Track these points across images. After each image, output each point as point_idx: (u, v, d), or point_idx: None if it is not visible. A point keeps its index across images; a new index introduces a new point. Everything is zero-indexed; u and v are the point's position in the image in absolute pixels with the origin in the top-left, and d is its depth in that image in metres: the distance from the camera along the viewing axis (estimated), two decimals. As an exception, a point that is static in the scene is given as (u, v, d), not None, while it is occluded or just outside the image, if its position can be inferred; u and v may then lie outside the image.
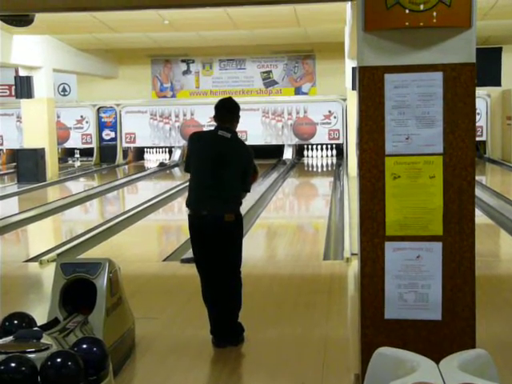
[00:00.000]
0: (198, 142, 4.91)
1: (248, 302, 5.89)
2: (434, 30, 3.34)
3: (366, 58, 3.44)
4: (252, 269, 6.98)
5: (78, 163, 20.61)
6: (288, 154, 19.68)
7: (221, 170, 4.70)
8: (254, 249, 7.99)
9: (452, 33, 3.34)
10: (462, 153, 3.41)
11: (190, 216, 4.84)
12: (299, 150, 20.12)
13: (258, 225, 9.83)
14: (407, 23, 3.33)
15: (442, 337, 3.50)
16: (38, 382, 3.11)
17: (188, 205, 4.86)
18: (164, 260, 7.67)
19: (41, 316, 4.28)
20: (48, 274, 6.28)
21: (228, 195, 4.74)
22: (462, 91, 3.37)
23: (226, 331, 4.78)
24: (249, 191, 4.96)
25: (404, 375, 2.57)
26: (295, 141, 19.99)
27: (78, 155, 21.01)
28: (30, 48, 15.31)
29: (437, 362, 2.69)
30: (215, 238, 4.70)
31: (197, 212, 4.75)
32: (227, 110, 4.80)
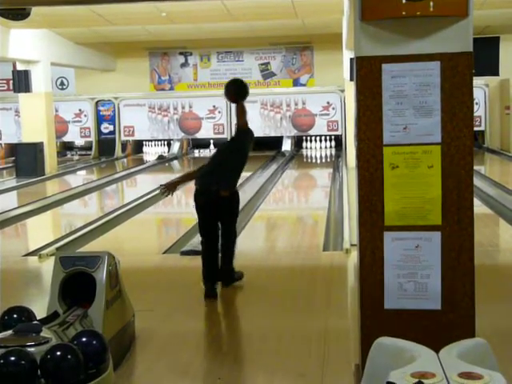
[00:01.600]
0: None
1: (248, 293, 5.90)
2: (430, 19, 3.33)
3: (363, 48, 3.43)
4: (252, 261, 6.99)
5: (76, 157, 20.59)
6: (287, 146, 19.66)
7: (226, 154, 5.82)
8: (253, 241, 7.99)
9: (449, 22, 3.34)
10: (460, 142, 3.40)
11: (196, 188, 5.84)
12: (298, 142, 20.10)
13: (258, 217, 9.83)
14: (404, 12, 3.32)
15: (441, 326, 3.50)
16: (37, 375, 3.12)
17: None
18: (164, 253, 7.67)
19: (40, 310, 4.28)
20: (47, 267, 6.28)
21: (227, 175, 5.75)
22: (459, 80, 3.37)
23: (218, 278, 5.75)
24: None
25: (404, 364, 2.57)
26: (294, 132, 19.97)
27: (76, 149, 20.99)
28: (28, 42, 15.27)
29: (436, 351, 2.69)
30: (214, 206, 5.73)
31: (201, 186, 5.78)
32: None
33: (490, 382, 2.35)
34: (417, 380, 2.36)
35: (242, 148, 5.88)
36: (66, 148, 21.01)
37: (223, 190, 5.68)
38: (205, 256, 5.82)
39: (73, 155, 20.81)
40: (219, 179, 5.70)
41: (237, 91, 5.84)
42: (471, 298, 3.51)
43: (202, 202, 5.74)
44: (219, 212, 5.75)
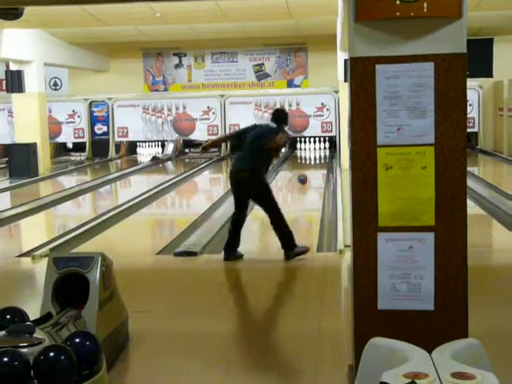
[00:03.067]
0: (250, 127, 7.13)
1: (242, 293, 5.91)
2: (424, 20, 3.33)
3: (357, 49, 3.43)
4: (245, 261, 6.99)
5: (70, 158, 20.55)
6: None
7: (253, 145, 6.79)
8: (247, 241, 7.98)
9: (443, 23, 3.34)
10: (454, 143, 3.41)
11: (230, 170, 7.09)
12: (292, 143, 20.11)
13: (252, 217, 9.82)
14: (398, 13, 3.32)
15: (434, 327, 3.50)
16: (30, 376, 3.10)
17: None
18: (157, 254, 7.66)
19: (34, 311, 4.27)
20: (41, 268, 6.27)
21: (254, 163, 6.80)
22: (453, 81, 3.37)
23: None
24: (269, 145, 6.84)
25: (397, 365, 2.58)
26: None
27: (70, 149, 20.94)
28: (21, 42, 15.24)
29: (429, 351, 2.70)
30: (243, 188, 6.87)
31: (233, 170, 6.99)
32: (277, 114, 7.14)
33: (483, 382, 2.36)
34: (410, 380, 2.36)
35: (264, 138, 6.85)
36: (59, 149, 20.97)
37: (243, 172, 6.79)
38: (230, 226, 7.00)
39: (66, 156, 20.76)
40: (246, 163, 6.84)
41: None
42: (464, 299, 3.51)
43: (231, 181, 7.00)
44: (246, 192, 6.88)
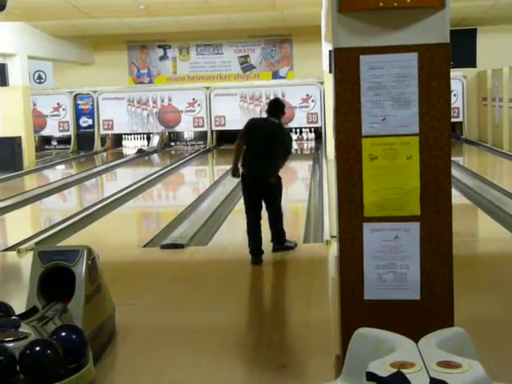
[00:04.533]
0: (253, 124, 7.00)
1: (228, 285, 5.90)
2: (408, 10, 3.34)
3: (341, 40, 3.43)
4: (232, 254, 6.99)
5: (55, 151, 20.44)
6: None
7: (269, 145, 6.61)
8: (234, 234, 7.99)
9: (426, 13, 3.35)
10: (438, 133, 3.42)
11: (243, 174, 6.73)
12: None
13: (238, 210, 9.82)
14: (381, 4, 3.32)
15: (420, 316, 3.52)
16: (16, 370, 3.10)
17: (243, 165, 6.74)
18: (144, 246, 7.64)
19: (19, 305, 4.25)
20: (26, 263, 6.23)
21: (272, 163, 6.69)
22: (436, 71, 3.38)
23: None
24: (286, 160, 6.97)
25: (383, 355, 2.59)
26: (274, 125, 19.93)
27: (55, 143, 20.83)
28: (4, 35, 15.11)
29: (416, 341, 2.71)
30: (261, 190, 6.70)
31: (250, 173, 6.68)
32: (275, 106, 6.97)
33: (469, 370, 2.37)
34: (396, 370, 2.37)
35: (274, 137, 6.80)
36: (44, 142, 20.85)
37: (259, 173, 6.67)
38: (248, 231, 6.75)
39: (51, 149, 20.65)
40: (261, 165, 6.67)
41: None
42: (450, 288, 3.53)
43: (246, 183, 6.76)
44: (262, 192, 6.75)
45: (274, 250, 6.86)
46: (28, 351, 3.13)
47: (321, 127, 19.12)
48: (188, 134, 20.33)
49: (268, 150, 6.64)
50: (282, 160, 6.86)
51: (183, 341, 4.62)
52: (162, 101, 20.15)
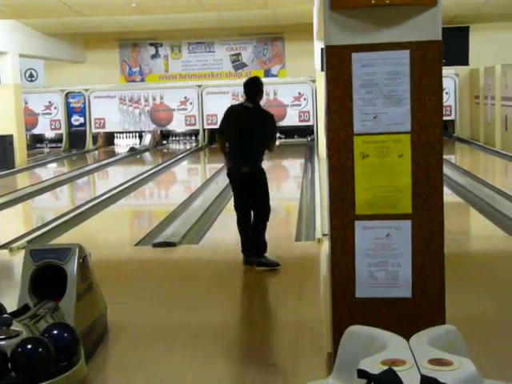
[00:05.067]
0: (230, 114, 6.36)
1: (220, 283, 5.90)
2: (399, 7, 3.34)
3: (333, 38, 3.43)
4: (224, 252, 6.99)
5: (47, 149, 20.38)
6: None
7: (248, 136, 6.16)
8: (225, 232, 7.99)
9: (418, 10, 3.35)
10: (430, 131, 3.42)
11: (229, 172, 6.40)
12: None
13: (230, 208, 9.81)
14: (373, 1, 3.32)
15: (412, 314, 3.53)
16: (8, 368, 3.09)
17: (228, 161, 6.39)
18: (136, 245, 7.63)
19: (11, 303, 4.24)
20: (18, 261, 6.21)
21: (251, 154, 6.24)
22: (428, 69, 3.38)
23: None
24: (272, 150, 6.51)
25: (375, 352, 2.59)
26: (266, 123, 19.91)
27: (49, 137, 20.77)
28: (-5, 33, 15.08)
29: (407, 338, 2.72)
30: (247, 183, 6.25)
31: (234, 169, 6.30)
32: (249, 87, 6.23)
33: (460, 367, 2.38)
34: (387, 367, 2.38)
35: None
36: (36, 141, 20.78)
37: (244, 167, 6.23)
38: (239, 229, 6.48)
39: (43, 148, 20.59)
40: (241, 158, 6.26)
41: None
42: (441, 286, 3.54)
43: (233, 182, 6.44)
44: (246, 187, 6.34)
45: (246, 262, 6.33)
46: (20, 349, 3.12)
47: (313, 125, 19.12)
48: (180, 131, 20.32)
49: (249, 142, 6.19)
50: (266, 148, 6.37)
51: (175, 339, 4.62)
52: (154, 99, 20.11)
